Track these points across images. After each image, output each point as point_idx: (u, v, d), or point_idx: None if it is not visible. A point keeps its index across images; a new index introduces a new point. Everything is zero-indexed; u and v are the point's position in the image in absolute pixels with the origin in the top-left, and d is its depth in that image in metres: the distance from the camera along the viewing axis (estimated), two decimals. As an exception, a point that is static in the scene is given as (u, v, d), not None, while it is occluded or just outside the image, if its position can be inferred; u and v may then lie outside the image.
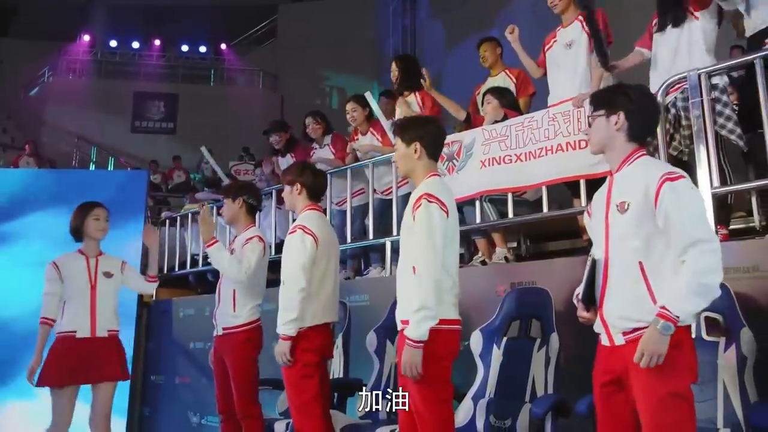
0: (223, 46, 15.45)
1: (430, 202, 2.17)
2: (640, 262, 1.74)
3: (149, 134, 14.21)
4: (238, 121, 13.34)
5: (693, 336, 1.91)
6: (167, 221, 6.29)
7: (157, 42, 15.12)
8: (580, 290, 1.83)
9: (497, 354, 2.76)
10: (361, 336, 3.35)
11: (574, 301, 1.87)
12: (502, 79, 4.06)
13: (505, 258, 3.42)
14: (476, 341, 2.80)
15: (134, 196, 5.77)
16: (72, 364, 3.08)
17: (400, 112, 4.09)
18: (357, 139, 4.41)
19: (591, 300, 1.81)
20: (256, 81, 15.09)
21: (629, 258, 1.77)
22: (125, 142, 13.70)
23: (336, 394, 3.26)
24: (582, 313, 1.85)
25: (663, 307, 1.67)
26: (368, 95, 4.16)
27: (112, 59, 14.98)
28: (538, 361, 2.63)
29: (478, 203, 3.49)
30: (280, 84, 14.94)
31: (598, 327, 1.84)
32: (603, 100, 1.93)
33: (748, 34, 2.88)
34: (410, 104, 4.09)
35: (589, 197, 3.13)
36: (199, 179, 10.07)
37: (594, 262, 1.82)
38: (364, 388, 3.23)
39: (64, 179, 5.78)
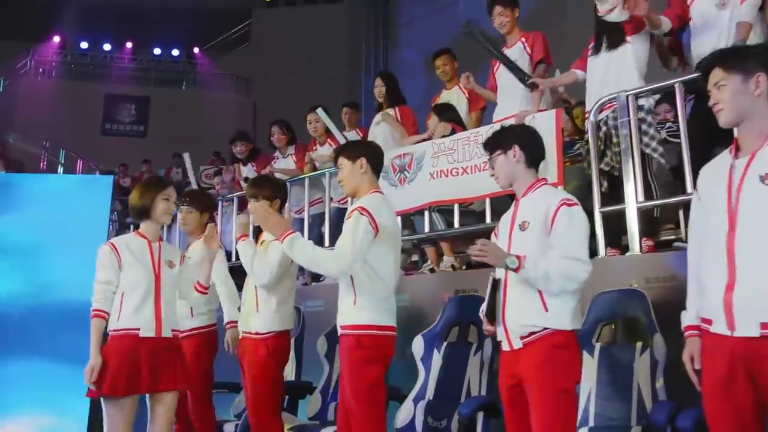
0: (196, 50, 15.43)
1: (361, 214, 2.30)
2: None
3: (120, 137, 14.13)
4: (210, 125, 13.34)
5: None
6: (132, 226, 6.32)
7: (129, 44, 15.05)
8: (484, 306, 2.02)
9: (437, 358, 2.91)
10: (315, 341, 3.48)
11: (481, 316, 2.06)
12: (455, 93, 4.23)
13: (452, 266, 3.57)
14: (418, 346, 2.95)
15: (98, 201, 5.79)
16: (136, 369, 2.49)
17: (382, 124, 4.23)
18: (316, 149, 4.54)
19: (494, 315, 2.00)
20: (229, 85, 15.11)
21: None
22: (95, 145, 13.56)
23: (288, 397, 3.38)
24: (487, 327, 2.05)
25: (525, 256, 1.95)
26: (320, 111, 4.30)
27: (82, 61, 14.88)
28: (474, 365, 2.79)
29: (427, 213, 3.64)
30: (253, 89, 14.96)
31: (500, 335, 2.03)
32: (497, 143, 2.18)
33: (695, 61, 3.05)
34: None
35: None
36: (166, 184, 10.02)
37: (495, 281, 2.02)
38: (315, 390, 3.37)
39: (26, 184, 5.75)
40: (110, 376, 2.45)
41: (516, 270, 1.94)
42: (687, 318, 1.80)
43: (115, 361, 2.48)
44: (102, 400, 2.49)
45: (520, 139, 2.15)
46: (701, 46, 2.87)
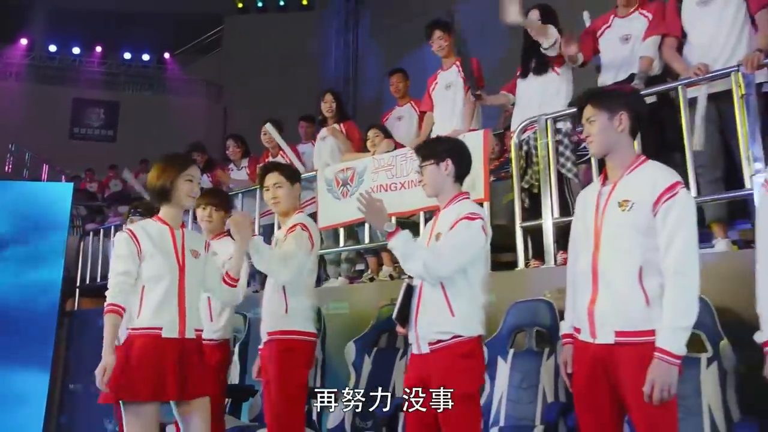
0: (167, 55, 15.42)
1: (303, 230, 2.58)
2: (442, 283, 2.12)
3: (89, 141, 14.09)
4: (180, 130, 13.31)
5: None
6: (91, 233, 6.41)
7: (99, 48, 14.98)
8: (396, 311, 2.20)
9: (367, 362, 3.10)
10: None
11: (393, 319, 2.23)
12: (407, 110, 4.45)
13: (390, 275, 3.77)
14: (350, 351, 3.13)
15: (58, 209, 5.87)
16: (161, 372, 2.22)
17: (328, 138, 4.42)
18: (269, 158, 4.71)
19: (405, 319, 2.18)
20: (199, 91, 15.12)
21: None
22: (63, 149, 13.51)
23: (230, 400, 3.53)
24: (399, 329, 2.22)
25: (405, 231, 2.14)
26: (269, 126, 4.48)
27: (50, 64, 14.75)
28: (399, 369, 2.99)
29: (367, 225, 3.83)
30: (224, 95, 15.03)
31: (411, 339, 2.20)
32: (430, 152, 2.29)
33: None
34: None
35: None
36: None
37: (409, 287, 2.19)
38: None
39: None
40: (130, 378, 2.18)
41: (388, 236, 2.11)
42: (563, 327, 2.01)
43: (136, 363, 2.20)
44: (122, 406, 2.20)
45: (454, 153, 2.26)
46: (606, 76, 3.14)
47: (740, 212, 2.87)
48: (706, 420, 2.15)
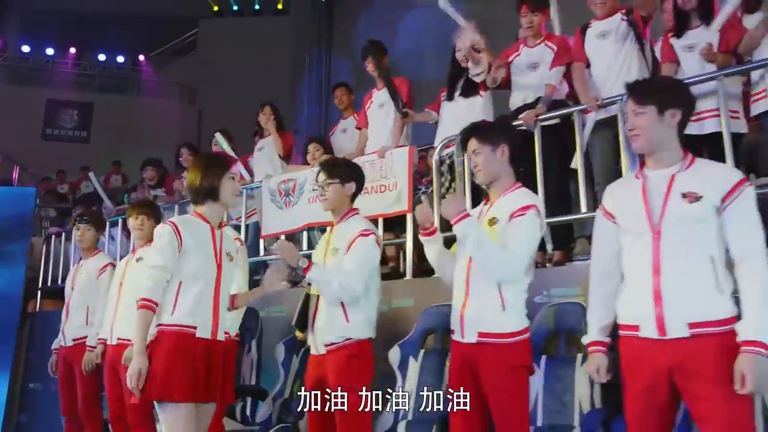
0: (142, 57, 15.51)
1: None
2: None
3: (62, 142, 14.13)
4: (154, 133, 13.42)
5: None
6: (53, 236, 6.56)
7: (73, 50, 15.03)
8: (295, 317, 2.46)
9: (295, 362, 3.35)
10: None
11: (293, 325, 2.49)
12: (351, 121, 4.69)
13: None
14: (279, 352, 3.37)
15: (22, 213, 6.02)
16: (192, 373, 2.14)
17: (265, 149, 4.66)
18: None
19: (304, 324, 2.44)
20: (174, 94, 15.20)
21: None
22: (35, 150, 13.54)
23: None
24: (298, 335, 2.48)
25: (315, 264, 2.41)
26: (218, 136, 4.71)
27: (24, 65, 14.78)
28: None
29: (305, 233, 4.08)
30: (198, 98, 15.14)
31: (310, 341, 2.46)
32: (338, 172, 2.52)
33: (511, 108, 3.59)
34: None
35: (386, 230, 3.82)
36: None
37: (307, 296, 2.45)
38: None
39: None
40: (166, 378, 2.10)
41: (304, 270, 2.33)
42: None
43: (172, 362, 2.13)
44: (158, 407, 2.13)
45: (359, 177, 2.54)
46: (516, 98, 3.43)
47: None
48: (576, 413, 2.41)
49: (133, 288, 2.89)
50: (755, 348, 1.62)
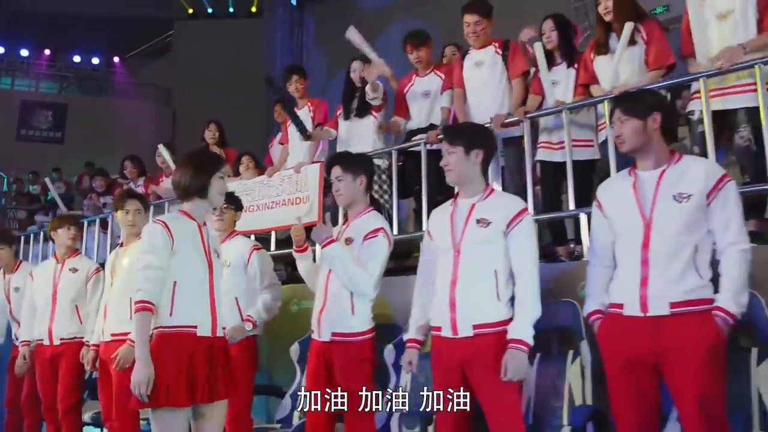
0: (117, 58, 15.71)
1: None
2: None
3: (36, 143, 14.29)
4: (129, 134, 13.59)
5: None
6: (22, 238, 6.84)
7: (48, 51, 15.21)
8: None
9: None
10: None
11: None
12: (305, 112, 5.00)
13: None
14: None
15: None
16: (194, 374, 2.13)
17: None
18: (162, 182, 5.30)
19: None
20: (148, 95, 15.39)
21: None
22: (9, 150, 13.73)
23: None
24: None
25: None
26: (161, 147, 5.06)
27: (-2, 65, 14.99)
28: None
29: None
30: (173, 99, 15.31)
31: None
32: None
33: (404, 132, 3.94)
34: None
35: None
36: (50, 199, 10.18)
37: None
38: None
39: None
40: (165, 383, 2.07)
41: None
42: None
43: (172, 365, 2.10)
44: (152, 412, 2.10)
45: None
46: (411, 124, 3.81)
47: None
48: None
49: (125, 287, 2.92)
50: (516, 345, 2.06)
